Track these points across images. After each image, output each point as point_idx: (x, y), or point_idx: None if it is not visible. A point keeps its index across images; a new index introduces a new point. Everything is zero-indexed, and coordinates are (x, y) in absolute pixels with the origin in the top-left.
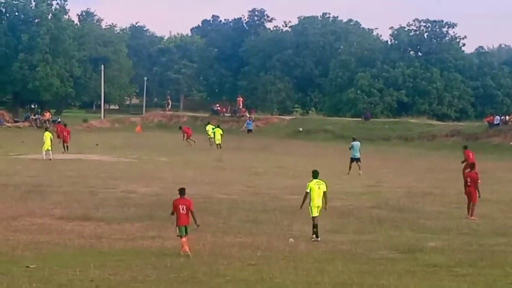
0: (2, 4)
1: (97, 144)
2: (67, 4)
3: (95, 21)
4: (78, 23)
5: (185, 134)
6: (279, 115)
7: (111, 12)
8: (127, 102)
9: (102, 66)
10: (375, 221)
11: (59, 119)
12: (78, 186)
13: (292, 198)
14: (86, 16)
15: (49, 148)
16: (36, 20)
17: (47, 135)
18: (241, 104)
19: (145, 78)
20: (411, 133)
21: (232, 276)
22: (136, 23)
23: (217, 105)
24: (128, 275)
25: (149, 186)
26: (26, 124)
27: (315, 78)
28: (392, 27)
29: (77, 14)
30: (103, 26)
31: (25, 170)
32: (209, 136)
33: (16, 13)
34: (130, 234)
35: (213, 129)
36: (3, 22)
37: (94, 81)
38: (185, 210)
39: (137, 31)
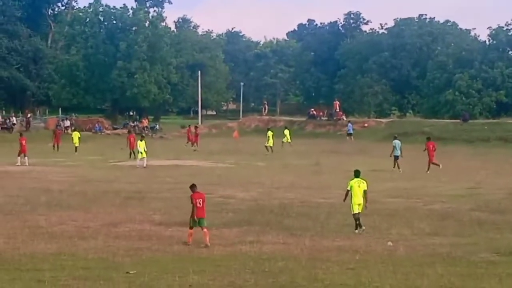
0: (101, 13)
1: (194, 150)
2: (164, 12)
3: (191, 28)
4: (175, 30)
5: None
6: (376, 118)
7: (207, 19)
8: (224, 108)
9: (199, 72)
10: (475, 223)
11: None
12: (177, 192)
13: (390, 201)
14: (183, 23)
15: (145, 156)
16: (133, 28)
17: (141, 145)
18: (338, 108)
19: (242, 83)
20: (511, 134)
21: (331, 280)
22: (232, 29)
23: (314, 109)
24: (227, 280)
25: (247, 191)
26: (125, 131)
27: (412, 80)
28: (490, 27)
29: (174, 21)
30: (200, 33)
31: (124, 177)
32: (282, 141)
33: (114, 22)
34: (228, 239)
35: (273, 135)
36: (101, 30)
37: (191, 87)
38: (201, 203)
39: (233, 37)
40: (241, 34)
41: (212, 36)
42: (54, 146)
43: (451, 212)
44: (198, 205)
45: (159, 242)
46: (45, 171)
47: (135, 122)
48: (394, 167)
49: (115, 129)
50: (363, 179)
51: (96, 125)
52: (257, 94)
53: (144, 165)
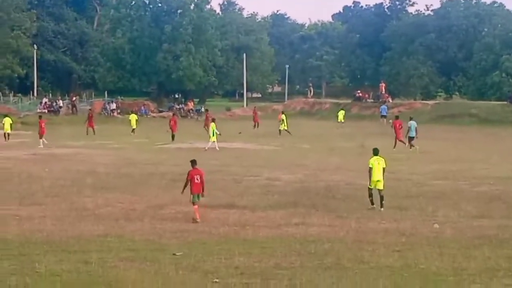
0: None
1: (240, 133)
2: None
3: (236, 10)
4: (220, 13)
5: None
6: (422, 100)
7: (252, 1)
8: (269, 90)
9: (244, 54)
10: None
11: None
12: (222, 174)
13: (437, 183)
14: (228, 5)
15: (215, 140)
16: (179, 11)
17: (213, 126)
18: (384, 90)
19: (287, 66)
20: None
21: (377, 262)
22: (277, 11)
23: (359, 91)
24: (273, 262)
25: (292, 173)
26: (171, 113)
27: (459, 62)
28: None
29: (219, 4)
30: (245, 15)
31: (170, 159)
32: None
33: (159, 5)
34: (274, 221)
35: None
36: (147, 13)
37: (237, 70)
38: (199, 179)
39: (278, 19)
40: (286, 16)
41: (257, 19)
42: (87, 130)
43: (498, 194)
44: (196, 180)
45: (205, 224)
46: (91, 153)
47: (181, 105)
48: (410, 148)
49: (160, 112)
50: (382, 157)
51: (142, 108)
52: (303, 76)
53: (216, 147)
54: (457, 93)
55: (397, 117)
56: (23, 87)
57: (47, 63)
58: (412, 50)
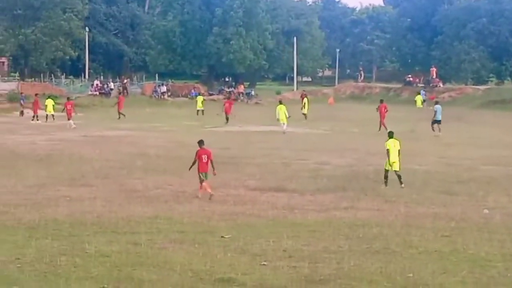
0: None
1: (289, 116)
2: None
3: None
4: None
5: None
6: (473, 85)
7: None
8: (320, 74)
9: (295, 38)
10: None
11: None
12: (271, 157)
13: (487, 168)
14: None
15: (284, 121)
16: None
17: (281, 108)
18: (435, 74)
19: (338, 50)
20: None
21: (425, 247)
22: None
23: (410, 75)
24: (321, 246)
25: (342, 157)
26: (221, 97)
27: (511, 47)
28: None
29: None
30: None
31: (219, 142)
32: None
33: None
34: (323, 205)
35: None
36: None
37: (287, 54)
38: (206, 158)
39: (329, 3)
40: (337, 0)
41: (308, 2)
42: (119, 114)
43: None
44: (203, 160)
45: (254, 207)
46: (142, 136)
47: (231, 88)
48: (434, 131)
49: (210, 95)
50: (397, 139)
51: (192, 90)
52: (353, 60)
53: (284, 131)
54: (508, 78)
55: (381, 101)
56: (75, 70)
57: (98, 46)
58: (463, 34)
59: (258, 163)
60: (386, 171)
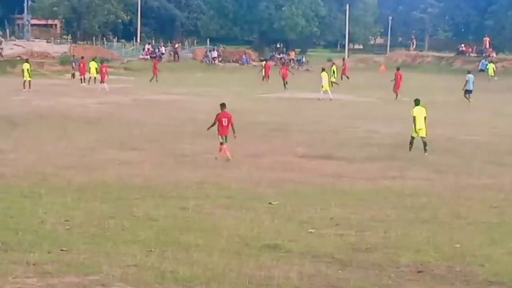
0: None
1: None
2: None
3: None
4: None
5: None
6: None
7: None
8: (371, 42)
9: (347, 5)
10: None
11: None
12: (320, 125)
13: None
14: None
15: (327, 89)
16: None
17: (324, 75)
18: (488, 44)
19: (390, 18)
20: None
21: (474, 218)
22: None
23: (463, 45)
24: (368, 214)
25: (391, 126)
26: (272, 63)
27: None
28: None
29: None
30: None
31: (270, 109)
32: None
33: None
34: (371, 173)
35: None
36: None
37: (339, 21)
38: (226, 122)
39: None
40: None
41: None
42: (152, 78)
43: None
44: (224, 123)
45: (302, 174)
46: (192, 101)
47: (282, 55)
48: (469, 100)
49: (262, 61)
50: (423, 106)
51: (243, 56)
52: (405, 28)
53: (320, 98)
54: None
55: (398, 69)
56: (126, 33)
57: (150, 10)
58: None
59: (307, 130)
60: (412, 138)
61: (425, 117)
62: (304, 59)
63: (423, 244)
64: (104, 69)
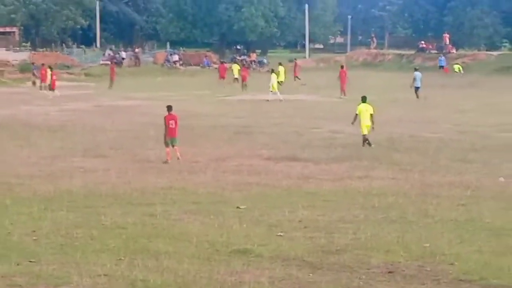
0: None
1: (304, 84)
2: None
3: None
4: None
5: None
6: (486, 50)
7: None
8: (332, 41)
9: (306, 5)
10: None
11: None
12: (284, 126)
13: (502, 136)
14: None
15: (275, 90)
16: None
17: (273, 76)
18: (447, 41)
19: (349, 16)
20: None
21: (441, 216)
22: None
23: (423, 42)
24: (336, 216)
25: (354, 126)
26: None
27: None
28: None
29: None
30: None
31: (232, 112)
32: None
33: None
34: (337, 174)
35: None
36: None
37: (299, 21)
38: (174, 124)
39: None
40: None
41: None
42: (110, 84)
43: None
44: (170, 126)
45: (268, 177)
46: (154, 105)
47: (243, 56)
48: (417, 97)
49: (222, 63)
50: (369, 104)
51: (204, 59)
52: (365, 27)
53: (274, 97)
54: None
55: (342, 67)
56: (86, 39)
57: (109, 15)
58: (476, 0)
59: (270, 132)
60: (364, 135)
61: (371, 114)
62: (266, 60)
63: (392, 244)
64: (54, 76)
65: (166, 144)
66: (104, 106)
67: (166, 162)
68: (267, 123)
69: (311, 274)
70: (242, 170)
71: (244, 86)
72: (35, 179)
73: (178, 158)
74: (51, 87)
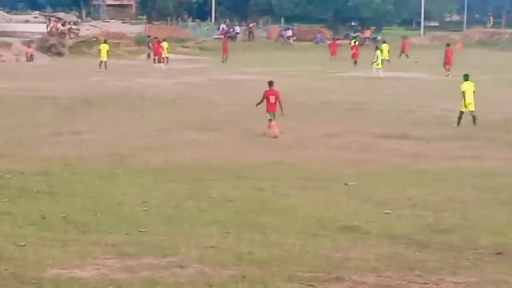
0: None
1: (416, 62)
2: None
3: None
4: None
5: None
6: None
7: None
8: (447, 19)
9: None
10: None
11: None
12: (396, 104)
13: None
14: None
15: (379, 67)
16: None
17: (378, 53)
18: None
19: None
20: None
21: None
22: None
23: None
24: (446, 195)
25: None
26: (346, 41)
27: None
28: None
29: None
30: None
31: (344, 88)
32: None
33: None
34: (448, 153)
35: None
36: None
37: None
38: (274, 99)
39: None
40: None
41: None
42: (154, 60)
43: None
44: (271, 100)
45: (378, 154)
46: (266, 80)
47: (357, 33)
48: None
49: (334, 39)
50: (472, 81)
51: (318, 35)
52: (482, 5)
53: (377, 75)
54: None
55: (448, 45)
56: (201, 13)
57: None
58: None
59: (382, 109)
60: (461, 112)
61: (474, 92)
62: (379, 37)
63: (502, 225)
64: (160, 49)
65: (269, 118)
66: (217, 80)
67: (275, 136)
68: (379, 100)
69: (417, 253)
70: (353, 147)
71: (355, 63)
72: (148, 151)
73: (264, 134)
74: (159, 59)
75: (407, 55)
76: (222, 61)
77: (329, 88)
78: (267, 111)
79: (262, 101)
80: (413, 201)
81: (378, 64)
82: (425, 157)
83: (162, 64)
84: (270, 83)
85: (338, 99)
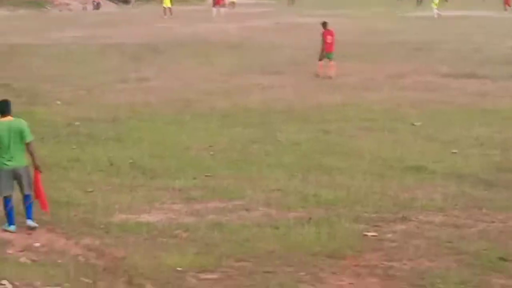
0: None
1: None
2: None
3: None
4: None
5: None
6: None
7: None
8: None
9: None
10: None
11: None
12: (463, 43)
13: None
14: None
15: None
16: None
17: None
18: None
19: None
20: None
21: None
22: None
23: None
24: None
25: None
26: None
27: None
28: None
29: None
30: None
31: (411, 28)
32: None
33: None
34: None
35: None
36: None
37: None
38: (331, 39)
39: None
40: None
41: None
42: (290, 0)
43: None
44: (328, 41)
45: (445, 93)
46: (333, 22)
47: None
48: None
49: None
50: None
51: None
52: None
53: (435, 15)
54: None
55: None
56: None
57: None
58: None
59: (449, 48)
60: None
61: None
62: None
63: None
64: None
65: (320, 58)
66: (283, 24)
67: (318, 75)
68: (446, 39)
69: (485, 192)
70: (419, 87)
71: (418, 2)
72: (213, 96)
73: (330, 77)
74: (216, 3)
75: None
76: (288, 4)
77: (395, 29)
78: (325, 50)
79: (324, 42)
80: (480, 140)
81: (435, 4)
82: (492, 95)
83: (222, 9)
84: (325, 24)
85: (404, 39)
